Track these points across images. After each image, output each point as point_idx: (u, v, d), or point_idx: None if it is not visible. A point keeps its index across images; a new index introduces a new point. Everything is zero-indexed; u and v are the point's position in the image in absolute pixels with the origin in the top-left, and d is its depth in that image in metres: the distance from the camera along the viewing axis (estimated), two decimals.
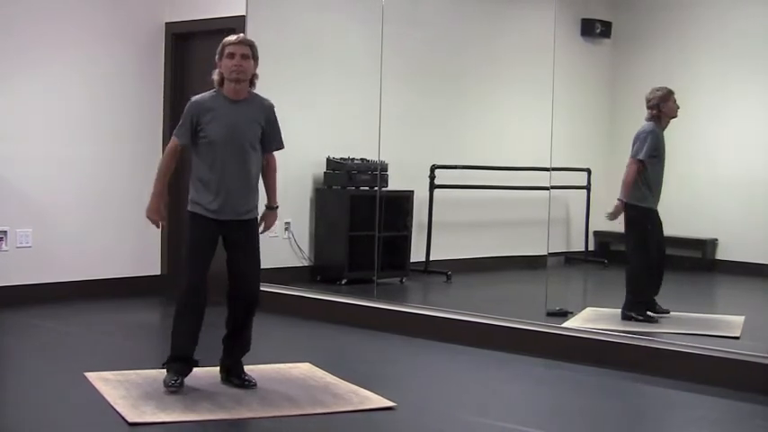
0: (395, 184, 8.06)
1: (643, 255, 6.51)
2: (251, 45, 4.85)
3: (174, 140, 4.90)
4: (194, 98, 4.91)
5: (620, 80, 8.97)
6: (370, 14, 7.47)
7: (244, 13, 7.56)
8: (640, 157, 6.37)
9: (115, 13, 7.78)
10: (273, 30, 7.74)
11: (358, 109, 8.02)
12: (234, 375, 4.99)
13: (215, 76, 4.89)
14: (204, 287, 4.87)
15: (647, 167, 6.41)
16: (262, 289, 7.04)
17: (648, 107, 6.47)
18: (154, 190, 4.91)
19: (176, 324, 4.92)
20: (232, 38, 4.87)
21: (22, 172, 7.26)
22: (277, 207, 5.09)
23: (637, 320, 6.37)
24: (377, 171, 7.88)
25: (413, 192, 8.32)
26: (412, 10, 8.28)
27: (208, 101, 4.85)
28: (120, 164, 7.83)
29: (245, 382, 4.95)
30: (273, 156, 5.04)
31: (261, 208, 5.06)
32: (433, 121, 8.74)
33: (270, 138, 4.94)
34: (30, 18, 7.26)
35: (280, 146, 5.02)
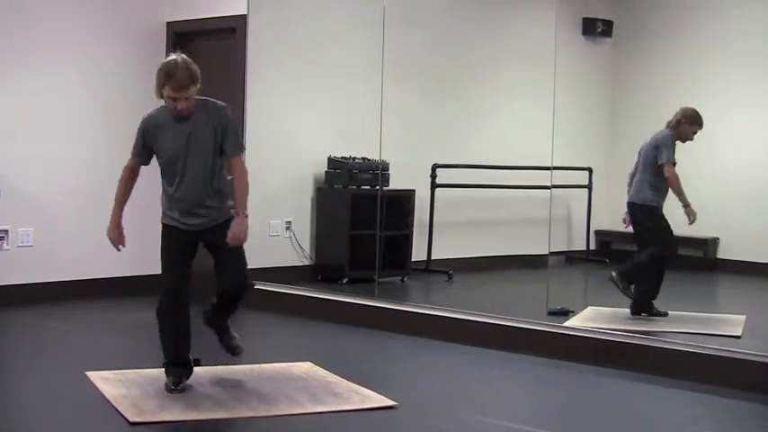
0: (396, 183, 8.06)
1: (667, 250, 6.54)
2: (193, 82, 4.62)
3: (128, 159, 4.92)
4: (145, 116, 4.86)
5: (622, 79, 8.97)
6: (372, 15, 7.47)
7: (245, 13, 7.56)
8: (673, 160, 6.41)
9: (116, 13, 7.78)
10: (274, 29, 7.74)
11: (359, 108, 8.02)
12: (222, 330, 5.06)
13: (156, 94, 4.71)
14: (183, 290, 4.86)
15: (657, 170, 6.45)
16: (263, 288, 7.08)
17: (675, 113, 6.51)
18: (113, 212, 4.92)
19: (161, 330, 4.91)
20: (172, 77, 4.56)
21: (23, 171, 7.26)
22: (245, 215, 4.74)
23: (650, 315, 6.39)
24: (378, 170, 7.88)
25: (414, 191, 8.32)
26: (413, 10, 8.28)
27: (157, 117, 4.80)
28: (120, 163, 7.66)
29: (232, 341, 5.04)
30: (237, 159, 4.80)
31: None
32: (435, 120, 8.74)
33: (226, 141, 4.77)
34: (30, 18, 7.27)
35: (237, 150, 4.83)
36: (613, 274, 6.58)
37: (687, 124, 6.49)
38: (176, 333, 4.88)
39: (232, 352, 5.08)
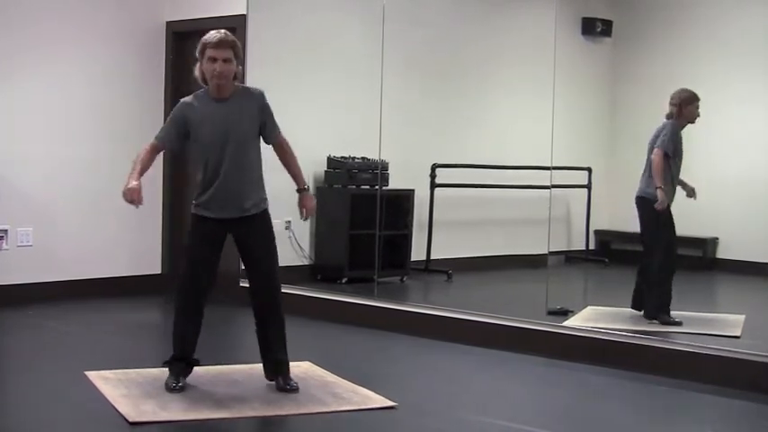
0: (395, 182, 8.06)
1: (671, 255, 6.49)
2: (233, 46, 4.70)
3: (152, 141, 4.84)
4: (182, 100, 4.85)
5: (621, 79, 8.96)
6: (371, 13, 7.47)
7: (244, 12, 7.56)
8: (664, 148, 6.33)
9: (116, 12, 7.78)
10: (274, 28, 7.74)
11: (359, 107, 8.02)
12: (277, 377, 4.91)
13: (197, 74, 4.79)
14: (203, 288, 4.85)
15: (667, 164, 6.39)
16: None
17: (670, 104, 6.44)
18: (130, 174, 4.73)
19: (176, 325, 4.90)
20: (212, 38, 4.68)
21: (23, 171, 7.26)
22: (307, 188, 4.92)
23: (665, 323, 6.35)
24: (377, 170, 7.88)
25: (413, 191, 8.32)
26: (412, 9, 8.27)
27: (195, 103, 4.79)
28: (120, 163, 7.72)
29: (286, 386, 4.86)
30: (282, 140, 4.90)
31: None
32: (434, 119, 8.74)
33: (269, 126, 4.84)
34: (30, 17, 7.26)
35: (278, 129, 4.89)
36: (648, 318, 6.45)
37: (688, 104, 6.40)
38: (189, 332, 4.87)
39: (286, 391, 4.89)
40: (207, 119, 4.73)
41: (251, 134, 4.79)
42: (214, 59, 4.66)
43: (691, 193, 6.54)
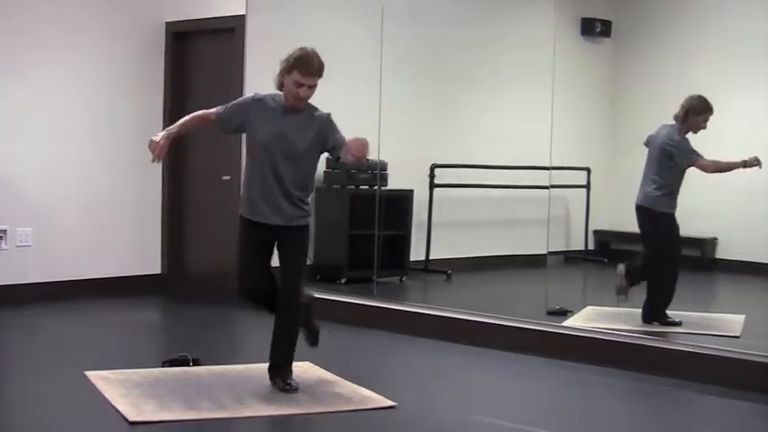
0: (394, 183, 8.06)
1: (674, 260, 6.46)
2: (320, 73, 4.77)
3: (214, 111, 4.86)
4: (256, 94, 4.88)
5: (621, 79, 8.96)
6: (371, 14, 7.47)
7: (244, 13, 7.55)
8: (697, 156, 6.28)
9: (115, 13, 7.77)
10: (273, 28, 7.73)
11: (357, 107, 8.00)
12: (278, 377, 4.94)
13: (275, 80, 4.82)
14: (257, 291, 4.92)
15: (671, 173, 6.36)
16: None
17: (680, 106, 6.36)
18: (170, 126, 4.82)
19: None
20: (308, 64, 4.72)
21: (23, 171, 7.26)
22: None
23: (662, 324, 6.34)
24: (376, 170, 7.88)
25: (412, 191, 8.32)
26: (412, 9, 8.27)
27: (269, 100, 4.82)
28: (120, 162, 7.82)
29: (286, 386, 4.89)
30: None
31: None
32: (433, 120, 8.74)
33: (331, 141, 4.83)
34: (30, 18, 7.26)
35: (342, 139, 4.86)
36: (621, 266, 6.45)
37: (695, 115, 6.31)
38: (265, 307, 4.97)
39: (285, 391, 4.92)
40: (269, 119, 4.77)
41: (308, 149, 4.81)
42: (300, 84, 4.72)
43: (755, 162, 6.36)
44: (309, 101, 4.86)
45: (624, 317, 6.54)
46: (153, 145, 4.67)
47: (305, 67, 4.71)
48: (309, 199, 4.95)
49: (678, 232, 6.43)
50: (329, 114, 4.89)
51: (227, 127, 4.90)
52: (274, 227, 4.82)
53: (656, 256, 6.49)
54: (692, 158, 6.30)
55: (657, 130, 6.46)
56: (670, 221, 6.39)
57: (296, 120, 4.79)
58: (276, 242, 4.90)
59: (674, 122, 6.38)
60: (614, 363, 5.67)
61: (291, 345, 4.95)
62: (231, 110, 4.88)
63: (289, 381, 4.90)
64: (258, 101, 4.83)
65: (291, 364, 4.97)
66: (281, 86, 4.81)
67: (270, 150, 4.75)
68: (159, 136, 4.71)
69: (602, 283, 8.78)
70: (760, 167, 6.29)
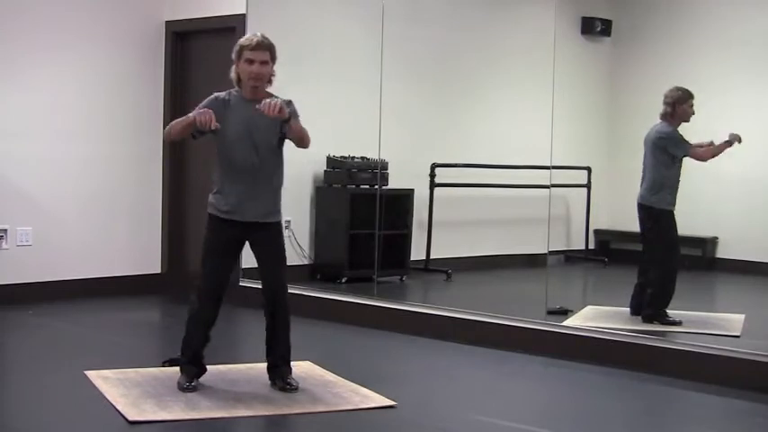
0: (395, 182, 8.06)
1: (674, 258, 6.47)
2: (270, 48, 4.78)
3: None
4: (215, 94, 4.88)
5: (621, 78, 8.97)
6: (371, 13, 7.47)
7: (244, 12, 7.55)
8: (689, 147, 6.37)
9: (115, 12, 7.77)
10: (273, 28, 7.70)
11: (358, 107, 8.02)
12: (278, 377, 4.93)
13: (232, 75, 4.85)
14: (218, 292, 4.87)
15: (667, 169, 6.39)
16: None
17: (664, 103, 6.43)
18: (187, 117, 4.69)
19: (188, 332, 4.93)
20: (251, 41, 4.76)
21: (23, 170, 7.26)
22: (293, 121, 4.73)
23: (663, 323, 6.34)
24: (377, 169, 7.88)
25: (413, 190, 8.32)
26: (413, 9, 8.27)
27: (227, 97, 4.83)
28: (120, 162, 7.83)
29: (286, 385, 4.88)
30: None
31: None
32: (434, 119, 8.74)
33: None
34: (30, 18, 7.26)
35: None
36: (644, 321, 6.42)
37: (681, 103, 6.38)
38: (202, 337, 4.90)
39: (285, 391, 4.89)
40: (234, 114, 4.76)
41: (274, 141, 4.82)
42: (251, 61, 4.73)
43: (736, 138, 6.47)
44: (272, 90, 4.85)
45: (624, 316, 6.54)
46: (204, 114, 4.56)
47: (250, 44, 4.74)
48: (281, 188, 4.93)
49: (676, 230, 6.44)
50: (291, 101, 4.87)
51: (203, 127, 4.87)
52: (248, 224, 4.80)
53: (655, 254, 6.50)
54: (686, 148, 6.38)
55: (649, 129, 6.50)
56: (669, 219, 6.42)
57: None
58: (249, 241, 4.88)
59: (663, 122, 6.46)
60: (614, 362, 5.67)
61: (288, 344, 4.95)
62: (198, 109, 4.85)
63: (288, 380, 4.90)
64: (221, 99, 4.83)
65: (290, 363, 4.97)
66: (238, 79, 4.82)
67: (240, 144, 4.75)
68: (199, 114, 4.57)
69: (602, 283, 8.79)
70: (740, 142, 6.41)
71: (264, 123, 4.73)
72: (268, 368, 4.97)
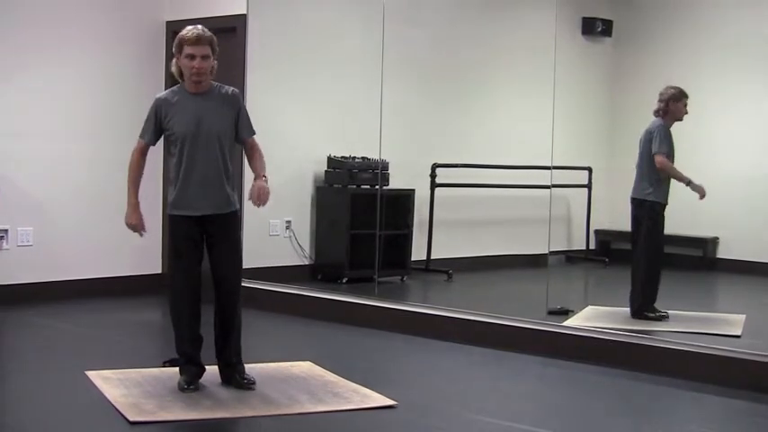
0: (396, 182, 8.06)
1: (659, 251, 6.52)
2: (210, 42, 4.75)
3: (138, 141, 4.90)
4: (157, 96, 4.89)
5: (622, 79, 8.96)
6: (371, 13, 7.47)
7: (244, 12, 7.55)
8: (663, 151, 6.41)
9: (115, 12, 7.78)
10: (274, 28, 7.74)
11: (359, 107, 8.02)
12: (233, 374, 4.94)
13: (173, 69, 4.86)
14: (192, 288, 4.85)
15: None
16: (263, 287, 7.07)
17: (658, 101, 6.50)
18: (128, 198, 4.87)
19: (176, 330, 4.93)
20: (190, 35, 4.73)
21: (23, 170, 7.26)
22: (265, 178, 4.79)
23: (649, 319, 6.36)
24: (378, 169, 7.88)
25: (414, 190, 8.32)
26: (413, 9, 8.28)
27: (171, 96, 4.84)
28: (120, 162, 7.67)
29: (244, 381, 4.90)
30: (253, 140, 4.91)
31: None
32: (435, 119, 8.74)
33: (242, 125, 4.86)
34: (30, 17, 7.26)
35: (251, 132, 4.91)
36: (633, 317, 6.48)
37: (675, 102, 6.46)
38: (190, 335, 4.88)
39: (244, 388, 4.91)
40: (181, 110, 4.77)
41: (225, 130, 4.82)
42: (192, 56, 4.72)
43: (701, 192, 6.53)
44: (214, 81, 4.85)
45: (625, 317, 6.54)
46: (131, 228, 4.90)
47: (188, 38, 4.73)
48: (234, 176, 4.93)
49: (662, 224, 6.50)
50: (237, 92, 4.89)
51: (150, 138, 4.89)
52: (204, 218, 4.79)
53: (644, 248, 6.53)
54: (663, 148, 6.43)
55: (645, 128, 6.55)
56: (660, 212, 6.50)
57: (207, 103, 4.78)
58: (206, 236, 4.85)
59: (656, 119, 6.52)
60: (615, 362, 5.67)
61: (239, 340, 4.95)
62: (145, 125, 4.89)
63: (245, 376, 4.93)
64: (163, 100, 4.84)
65: (242, 361, 4.96)
66: (179, 74, 4.82)
67: (190, 139, 4.75)
68: (129, 217, 4.89)
69: (603, 283, 8.79)
70: (701, 198, 6.51)
71: (213, 114, 4.76)
72: (221, 367, 4.96)
